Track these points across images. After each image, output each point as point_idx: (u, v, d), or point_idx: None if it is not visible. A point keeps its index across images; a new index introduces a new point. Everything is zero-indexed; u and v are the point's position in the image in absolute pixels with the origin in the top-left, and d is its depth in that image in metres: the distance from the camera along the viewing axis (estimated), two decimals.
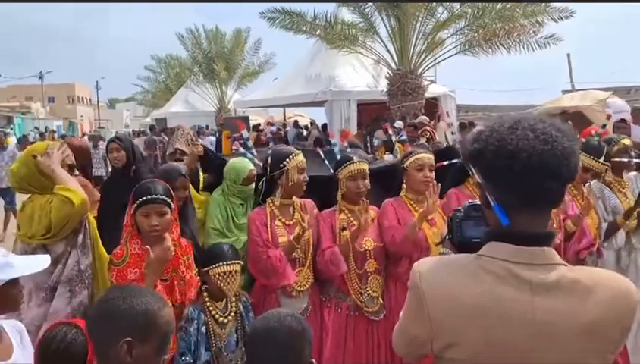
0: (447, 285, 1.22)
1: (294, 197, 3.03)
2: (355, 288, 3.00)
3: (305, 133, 16.24)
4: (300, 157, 3.00)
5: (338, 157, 3.25)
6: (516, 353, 1.16)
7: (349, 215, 3.05)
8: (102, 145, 10.52)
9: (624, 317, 1.19)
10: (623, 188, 3.66)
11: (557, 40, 12.77)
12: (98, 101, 55.66)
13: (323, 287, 3.07)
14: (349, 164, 3.01)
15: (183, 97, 27.50)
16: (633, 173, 3.81)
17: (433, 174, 3.10)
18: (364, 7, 13.18)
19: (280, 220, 2.96)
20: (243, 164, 3.49)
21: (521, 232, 1.20)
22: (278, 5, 13.57)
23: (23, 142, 20.65)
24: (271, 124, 19.12)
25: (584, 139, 3.67)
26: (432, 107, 14.03)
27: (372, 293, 3.01)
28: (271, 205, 2.99)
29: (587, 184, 3.62)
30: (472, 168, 1.26)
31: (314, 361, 1.69)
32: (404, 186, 3.14)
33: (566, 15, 12.48)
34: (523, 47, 12.75)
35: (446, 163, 3.34)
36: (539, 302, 1.15)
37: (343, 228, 2.98)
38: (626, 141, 3.69)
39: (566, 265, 1.21)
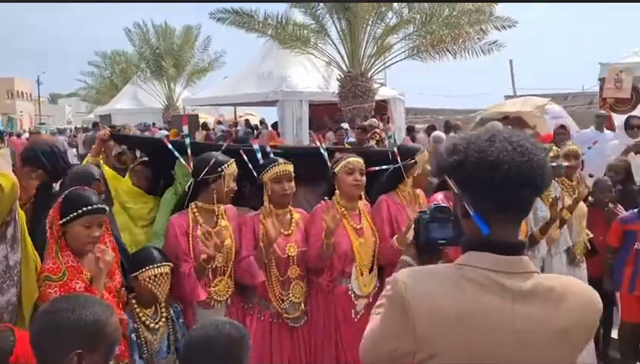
0: (432, 296, 1.22)
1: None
2: (276, 295, 2.92)
3: (255, 132, 16.15)
4: (235, 165, 2.91)
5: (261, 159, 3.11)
6: (497, 359, 1.20)
7: (273, 219, 2.90)
8: None
9: (591, 322, 1.28)
10: (549, 197, 3.68)
11: (500, 47, 13.34)
12: (39, 97, 53.14)
13: (245, 295, 2.99)
14: (274, 166, 2.92)
15: (129, 93, 26.71)
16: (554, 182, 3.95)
17: (364, 177, 3.04)
18: (315, 8, 13.29)
19: (202, 227, 2.81)
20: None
21: (500, 241, 1.24)
22: (228, 5, 13.48)
23: None
24: (220, 123, 18.89)
25: None
26: (382, 109, 14.30)
27: (295, 299, 2.95)
28: (194, 210, 2.86)
29: None
30: (450, 179, 1.29)
31: None
32: (336, 192, 3.07)
33: (509, 24, 13.07)
34: (468, 53, 13.24)
35: (377, 168, 3.27)
36: (519, 309, 1.20)
37: (267, 233, 2.86)
38: (553, 151, 3.86)
39: (539, 273, 1.27)
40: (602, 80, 9.14)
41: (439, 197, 3.14)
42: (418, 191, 3.33)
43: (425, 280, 1.26)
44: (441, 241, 1.56)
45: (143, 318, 2.61)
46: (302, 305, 2.99)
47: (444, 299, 1.21)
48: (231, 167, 2.87)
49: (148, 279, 2.58)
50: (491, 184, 1.20)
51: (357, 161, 3.03)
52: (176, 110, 23.96)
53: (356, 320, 2.98)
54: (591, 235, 3.96)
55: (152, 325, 2.62)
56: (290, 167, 2.95)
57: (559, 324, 1.22)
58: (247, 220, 2.98)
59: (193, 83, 26.91)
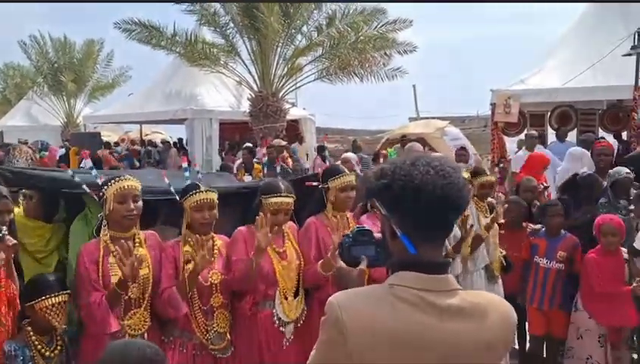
0: (367, 315, 1.26)
1: (134, 229, 2.70)
2: (200, 325, 2.76)
3: (154, 150, 15.71)
4: (124, 183, 2.63)
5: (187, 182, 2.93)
6: None
7: (195, 247, 2.67)
8: None
9: (509, 334, 1.37)
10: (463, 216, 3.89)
11: (403, 73, 14.25)
12: None
13: (165, 328, 2.78)
14: (195, 194, 2.76)
15: (24, 109, 24.86)
16: None
17: (288, 217, 2.98)
18: (225, 28, 13.30)
19: (114, 256, 2.54)
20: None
21: (426, 261, 1.29)
22: (135, 17, 13.10)
23: None
24: (123, 142, 18.17)
25: None
26: (293, 129, 14.52)
27: (219, 329, 2.80)
28: (105, 238, 2.63)
29: None
30: (378, 202, 1.33)
31: None
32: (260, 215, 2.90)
33: (410, 50, 13.98)
34: (374, 77, 13.92)
35: (315, 184, 3.24)
36: (447, 325, 1.26)
37: (188, 261, 2.70)
38: (465, 173, 3.92)
39: (462, 290, 1.33)
40: (493, 106, 9.92)
41: (363, 219, 3.21)
42: (349, 214, 3.29)
43: (358, 301, 1.30)
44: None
45: (39, 347, 2.47)
46: (228, 334, 2.84)
47: (378, 318, 1.25)
48: (112, 187, 2.62)
49: (45, 308, 2.44)
50: (417, 206, 1.26)
51: (285, 202, 2.91)
52: (76, 127, 22.66)
53: (284, 347, 2.90)
54: (504, 252, 4.07)
55: (47, 353, 2.48)
56: (213, 196, 2.79)
57: (484, 338, 1.29)
58: (167, 248, 2.79)
59: (96, 100, 25.57)
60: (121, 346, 1.73)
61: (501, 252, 4.05)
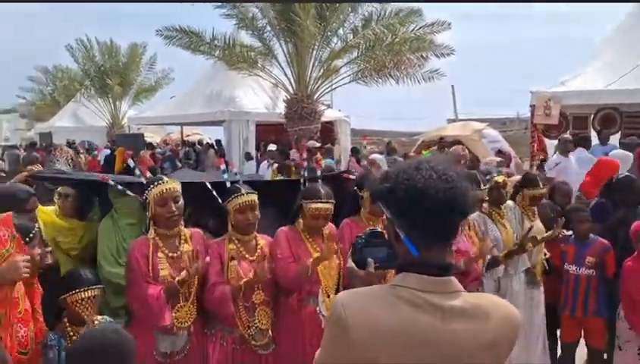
0: (369, 314, 1.30)
1: (180, 227, 2.88)
2: (243, 321, 2.87)
3: (191, 150, 16.05)
4: (163, 187, 2.79)
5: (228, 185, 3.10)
6: None
7: (238, 245, 2.92)
8: None
9: (512, 335, 1.38)
10: (502, 218, 3.83)
11: (440, 75, 14.03)
12: None
13: (207, 321, 2.91)
14: (238, 197, 2.89)
15: (71, 111, 25.91)
16: (511, 202, 3.97)
17: (328, 220, 3.07)
18: (263, 31, 13.49)
19: (163, 252, 2.78)
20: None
21: (429, 263, 1.32)
22: (176, 24, 13.48)
23: None
24: (165, 143, 18.67)
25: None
26: (328, 131, 14.59)
27: (261, 325, 2.89)
28: (154, 235, 2.82)
29: (471, 218, 3.71)
30: (383, 205, 1.37)
31: None
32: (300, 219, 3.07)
33: (447, 52, 13.74)
34: (410, 79, 13.79)
35: (352, 177, 3.40)
36: (450, 326, 1.28)
37: (232, 258, 2.85)
38: (499, 178, 3.90)
39: (465, 292, 1.36)
40: (533, 107, 9.71)
41: (346, 222, 3.25)
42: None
43: (361, 300, 1.34)
44: (376, 264, 1.68)
45: (75, 338, 2.58)
46: (270, 331, 2.93)
47: (381, 316, 1.29)
48: (153, 191, 2.78)
49: (75, 302, 2.57)
50: (419, 209, 1.29)
51: (324, 207, 3.02)
52: (120, 128, 23.43)
53: None
54: (549, 255, 4.02)
55: None
56: (254, 197, 2.92)
57: (486, 338, 1.31)
58: (213, 244, 2.94)
59: (140, 102, 26.40)
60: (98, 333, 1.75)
61: (545, 255, 3.99)
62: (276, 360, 2.95)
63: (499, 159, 6.64)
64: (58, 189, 3.32)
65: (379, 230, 1.74)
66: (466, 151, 7.17)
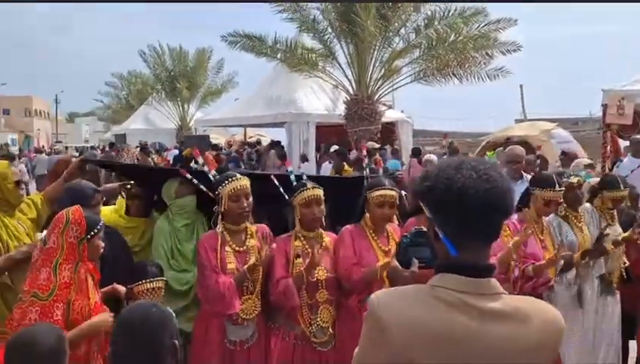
0: (405, 313, 1.29)
1: (247, 223, 2.97)
2: (305, 318, 2.92)
3: (251, 151, 16.34)
4: (235, 184, 2.89)
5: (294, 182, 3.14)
6: None
7: (304, 242, 2.95)
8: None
9: (555, 341, 1.34)
10: (579, 221, 3.67)
11: (506, 73, 13.53)
12: (56, 115, 54.29)
13: (271, 315, 2.99)
14: (303, 191, 2.93)
15: (143, 114, 27.22)
16: (588, 205, 3.81)
17: (394, 210, 3.04)
18: (324, 33, 13.60)
19: (230, 246, 2.89)
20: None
21: (469, 265, 1.30)
22: (240, 29, 13.86)
23: None
24: (229, 144, 19.20)
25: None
26: (389, 132, 14.48)
27: (322, 323, 2.93)
28: (222, 229, 2.92)
29: (547, 220, 3.59)
30: (422, 203, 1.38)
31: (176, 341, 1.76)
32: (366, 214, 3.05)
33: (514, 49, 13.25)
34: (474, 78, 13.42)
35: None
36: (487, 328, 1.26)
37: (298, 256, 2.89)
38: (574, 179, 3.68)
39: (507, 294, 1.33)
40: (605, 106, 9.16)
41: (411, 220, 3.18)
42: None
43: (398, 299, 1.34)
44: (421, 264, 1.67)
45: None
46: (330, 329, 2.96)
47: (416, 315, 1.28)
48: (226, 188, 2.88)
49: (141, 292, 2.76)
50: (458, 209, 1.28)
51: (390, 194, 3.00)
52: (188, 131, 24.37)
53: None
54: (628, 263, 3.80)
55: None
56: (320, 192, 2.95)
57: (526, 343, 1.28)
58: (279, 241, 3.00)
59: (206, 105, 27.40)
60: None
61: (624, 263, 3.78)
62: (335, 358, 2.97)
63: (589, 161, 6.34)
64: (129, 190, 3.50)
65: (424, 229, 1.72)
66: (524, 152, 6.89)
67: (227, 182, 2.90)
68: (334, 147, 10.87)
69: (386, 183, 3.04)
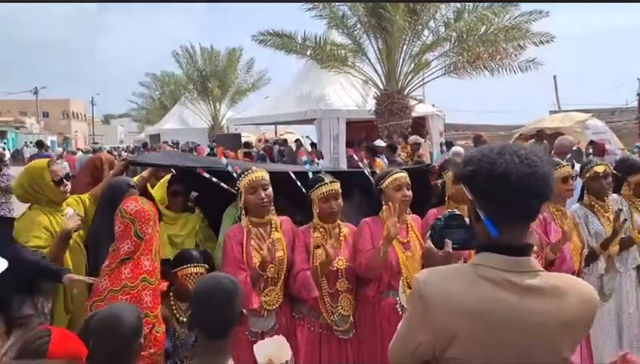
0: (450, 291, 1.36)
1: (271, 215, 3.02)
2: (326, 307, 2.98)
3: (278, 147, 16.49)
4: (253, 176, 2.96)
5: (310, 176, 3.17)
6: (508, 347, 1.35)
7: (323, 233, 3.02)
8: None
9: (589, 316, 1.41)
10: (606, 212, 3.60)
11: (538, 64, 13.27)
12: (93, 117, 55.85)
13: (295, 305, 3.04)
14: (321, 186, 2.99)
15: (176, 113, 27.77)
16: (616, 195, 3.74)
17: (410, 192, 3.09)
18: (353, 29, 13.65)
19: (255, 239, 2.90)
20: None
21: (509, 244, 1.37)
22: (269, 28, 14.03)
23: (17, 156, 20.74)
24: (260, 142, 19.45)
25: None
26: (419, 126, 14.43)
27: (343, 312, 3.00)
28: (247, 223, 2.98)
29: (570, 209, 3.56)
30: (466, 187, 1.43)
31: (244, 310, 1.96)
32: (383, 207, 3.01)
33: (547, 40, 12.99)
34: (506, 70, 13.23)
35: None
36: (528, 304, 1.34)
37: (317, 246, 2.95)
38: (599, 168, 3.60)
39: (544, 272, 1.41)
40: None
41: (432, 212, 3.21)
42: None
43: (441, 277, 1.41)
44: (455, 245, 1.77)
45: (175, 311, 2.91)
46: (351, 317, 3.03)
47: (460, 293, 1.36)
48: (244, 180, 2.96)
49: (185, 276, 2.90)
50: (500, 192, 1.35)
51: (404, 176, 3.08)
52: (220, 129, 24.76)
53: None
54: None
55: (181, 318, 2.91)
56: (337, 186, 3.01)
57: (563, 317, 1.36)
58: (299, 232, 3.07)
59: (237, 103, 27.77)
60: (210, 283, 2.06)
61: None
62: (357, 347, 3.05)
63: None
64: (171, 188, 3.66)
65: (457, 212, 1.81)
66: (571, 141, 6.82)
67: (243, 176, 2.99)
68: (379, 142, 10.81)
69: (397, 169, 3.13)
